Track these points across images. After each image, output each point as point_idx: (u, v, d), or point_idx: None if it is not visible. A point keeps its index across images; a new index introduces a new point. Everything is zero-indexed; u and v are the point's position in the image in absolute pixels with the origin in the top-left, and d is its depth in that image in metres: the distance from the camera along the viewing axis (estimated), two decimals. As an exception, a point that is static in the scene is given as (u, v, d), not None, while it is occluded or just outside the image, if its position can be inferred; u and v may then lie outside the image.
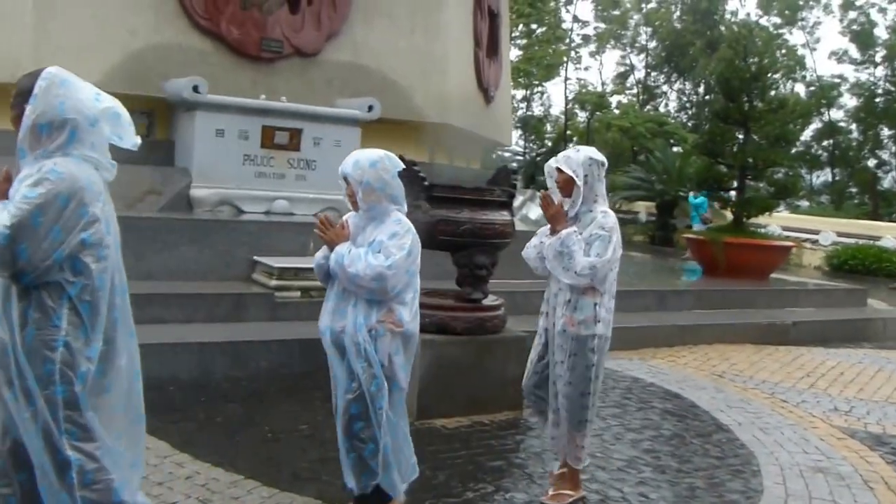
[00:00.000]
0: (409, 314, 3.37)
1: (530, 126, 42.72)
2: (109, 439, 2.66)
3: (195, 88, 8.25)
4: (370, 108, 9.29)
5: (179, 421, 4.95)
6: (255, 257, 7.48)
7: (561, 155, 4.01)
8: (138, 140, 2.79)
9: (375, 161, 3.36)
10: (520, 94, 41.02)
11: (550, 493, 4.08)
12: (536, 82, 41.80)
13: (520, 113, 41.26)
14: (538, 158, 39.01)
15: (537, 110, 44.55)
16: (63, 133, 2.57)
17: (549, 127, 44.25)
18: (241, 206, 8.50)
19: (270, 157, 8.71)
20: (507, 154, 35.62)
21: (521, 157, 39.73)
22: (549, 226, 4.01)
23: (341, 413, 3.41)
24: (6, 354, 2.55)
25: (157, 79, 8.67)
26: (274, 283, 7.08)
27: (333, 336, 3.38)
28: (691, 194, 18.06)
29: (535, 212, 16.44)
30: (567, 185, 3.93)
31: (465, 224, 5.33)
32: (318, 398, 5.58)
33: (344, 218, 3.55)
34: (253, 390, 5.71)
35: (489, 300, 5.62)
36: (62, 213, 2.49)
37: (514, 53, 34.27)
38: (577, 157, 3.92)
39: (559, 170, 3.95)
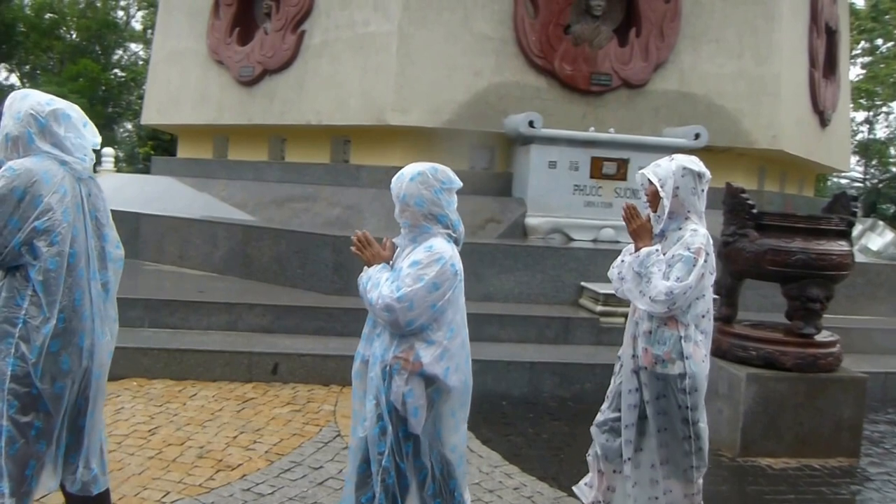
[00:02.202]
0: (430, 355, 2.73)
1: (872, 150, 38.19)
2: (58, 417, 2.78)
3: (530, 123, 8.52)
4: (697, 136, 8.92)
5: (510, 434, 5.08)
6: (583, 283, 7.51)
7: (652, 163, 3.42)
8: (98, 139, 2.95)
9: (417, 174, 2.82)
10: (860, 115, 36.89)
11: None
12: (880, 102, 37.28)
13: (860, 136, 37.09)
14: (880, 185, 34.80)
15: (881, 133, 39.68)
16: (23, 137, 2.79)
17: (893, 151, 39.24)
18: (571, 233, 8.59)
19: (598, 186, 8.72)
20: (843, 181, 32.35)
21: (860, 184, 35.68)
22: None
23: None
24: None
25: (497, 115, 9.08)
26: (599, 308, 7.04)
27: (363, 364, 2.89)
28: None
29: (876, 242, 14.64)
30: (655, 198, 3.36)
31: (796, 254, 4.89)
32: (638, 423, 5.42)
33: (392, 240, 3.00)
34: (577, 410, 5.69)
35: (823, 336, 5.09)
36: (19, 205, 2.69)
37: (854, 72, 31.02)
38: (667, 167, 3.33)
39: (650, 180, 3.38)
